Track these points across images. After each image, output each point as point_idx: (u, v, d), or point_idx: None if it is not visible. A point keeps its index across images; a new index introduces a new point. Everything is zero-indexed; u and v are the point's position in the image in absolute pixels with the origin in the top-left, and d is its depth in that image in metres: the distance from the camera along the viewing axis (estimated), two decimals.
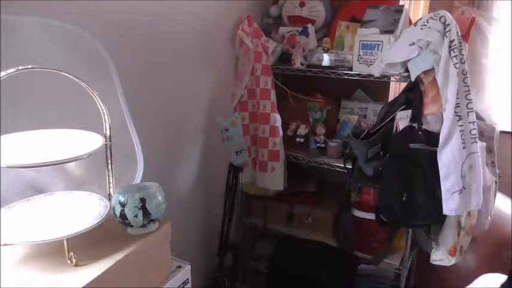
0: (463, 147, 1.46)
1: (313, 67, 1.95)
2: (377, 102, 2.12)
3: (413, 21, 1.74)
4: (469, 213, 1.61)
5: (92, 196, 1.03)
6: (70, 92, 0.99)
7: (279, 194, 2.09)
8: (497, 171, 1.74)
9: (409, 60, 1.57)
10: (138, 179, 1.24)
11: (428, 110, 1.55)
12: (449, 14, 1.46)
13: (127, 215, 0.97)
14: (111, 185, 1.06)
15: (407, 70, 1.62)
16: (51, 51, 1.07)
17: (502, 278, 0.93)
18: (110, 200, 1.03)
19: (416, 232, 1.84)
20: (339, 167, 1.89)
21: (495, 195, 1.72)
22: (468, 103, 1.46)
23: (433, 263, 1.70)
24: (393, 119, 1.66)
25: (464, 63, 1.44)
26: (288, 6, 2.13)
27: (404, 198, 1.57)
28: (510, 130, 2.10)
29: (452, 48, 1.43)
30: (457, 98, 1.44)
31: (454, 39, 1.43)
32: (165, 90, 1.63)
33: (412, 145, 1.55)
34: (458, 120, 1.45)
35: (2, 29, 0.98)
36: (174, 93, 1.69)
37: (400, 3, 2.04)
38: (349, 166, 1.80)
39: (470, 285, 0.81)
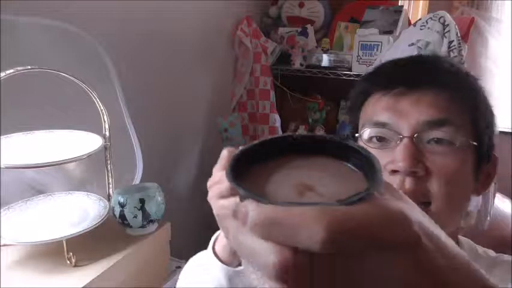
0: None
1: (312, 68, 1.95)
2: None
3: (412, 22, 1.74)
4: (468, 214, 1.61)
5: (91, 197, 1.03)
6: (69, 92, 0.99)
7: None
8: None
9: None
10: (137, 179, 1.24)
11: None
12: (448, 15, 1.46)
13: (126, 215, 0.96)
14: (111, 185, 1.06)
15: None
16: (51, 52, 1.07)
17: None
18: (109, 200, 1.03)
19: None
20: None
21: (494, 196, 1.72)
22: None
23: None
24: None
25: (463, 63, 1.45)
26: (287, 7, 2.13)
27: None
28: (510, 130, 2.10)
29: (451, 48, 1.43)
30: None
31: (453, 40, 1.43)
32: (164, 91, 1.63)
33: None
34: None
35: (2, 29, 0.97)
36: (174, 93, 1.69)
37: (399, 4, 2.04)
38: None
39: None
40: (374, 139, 0.57)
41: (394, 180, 0.53)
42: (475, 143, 0.56)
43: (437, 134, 0.54)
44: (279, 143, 0.28)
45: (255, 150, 0.27)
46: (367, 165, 0.25)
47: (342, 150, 0.26)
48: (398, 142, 0.54)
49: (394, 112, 0.56)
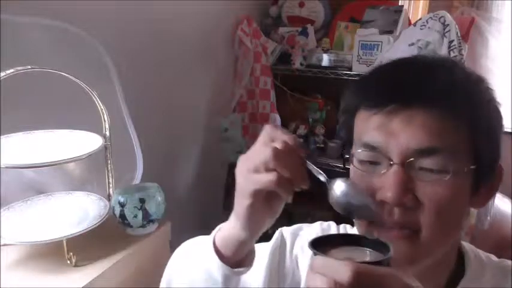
0: None
1: (312, 67, 1.95)
2: None
3: (412, 22, 1.74)
4: (468, 214, 1.60)
5: (92, 196, 1.03)
6: (70, 92, 0.99)
7: None
8: None
9: None
10: (137, 179, 1.24)
11: None
12: (448, 15, 1.46)
13: (126, 215, 0.97)
14: (111, 185, 1.06)
15: None
16: (51, 52, 1.07)
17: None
18: (109, 200, 1.03)
19: None
20: (338, 167, 1.89)
21: (494, 196, 1.72)
22: None
23: None
24: None
25: (463, 63, 1.44)
26: (287, 6, 2.13)
27: None
28: (510, 130, 2.10)
29: (451, 48, 1.43)
30: None
31: (453, 40, 1.43)
32: (164, 91, 1.63)
33: None
34: None
35: (2, 29, 0.97)
36: (174, 93, 1.69)
37: (400, 4, 2.04)
38: (348, 167, 1.80)
39: None
40: (367, 163, 0.55)
41: (383, 210, 0.51)
42: (472, 167, 0.52)
43: (428, 163, 0.50)
44: (333, 238, 0.49)
45: (322, 238, 0.48)
46: (385, 248, 0.44)
47: (373, 242, 0.46)
48: (388, 167, 0.51)
49: (385, 133, 0.52)
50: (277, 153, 0.45)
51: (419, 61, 0.58)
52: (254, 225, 0.50)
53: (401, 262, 0.52)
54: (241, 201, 0.48)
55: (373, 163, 0.54)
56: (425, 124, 0.50)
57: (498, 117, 0.56)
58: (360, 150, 0.55)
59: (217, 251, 0.53)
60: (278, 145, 0.46)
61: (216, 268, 0.52)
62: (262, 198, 0.48)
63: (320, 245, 0.45)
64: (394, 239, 0.51)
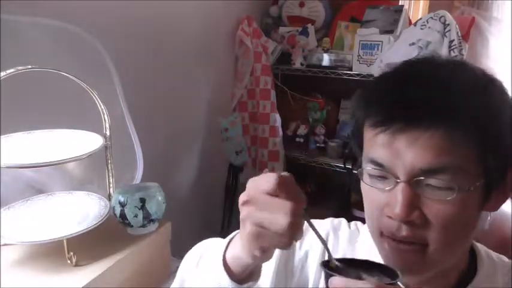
0: None
1: (313, 67, 1.95)
2: None
3: (413, 21, 1.74)
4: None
5: (92, 196, 1.03)
6: (70, 92, 0.99)
7: None
8: None
9: None
10: (138, 179, 1.24)
11: None
12: (449, 14, 1.46)
13: (127, 215, 0.96)
14: (111, 185, 1.06)
15: None
16: (51, 52, 1.07)
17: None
18: (109, 200, 1.03)
19: None
20: (338, 167, 1.89)
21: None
22: None
23: None
24: None
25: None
26: (287, 6, 2.13)
27: None
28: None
29: (452, 48, 1.43)
30: None
31: (454, 39, 1.43)
32: (165, 91, 1.63)
33: None
34: None
35: (2, 29, 0.98)
36: (174, 93, 1.69)
37: (400, 3, 2.04)
38: (349, 166, 1.80)
39: None
40: (375, 178, 0.55)
41: (392, 225, 0.52)
42: (479, 183, 0.51)
43: (434, 181, 0.50)
44: (348, 261, 0.50)
45: (339, 262, 0.50)
46: (390, 273, 0.47)
47: (383, 269, 0.49)
48: (395, 184, 0.52)
49: (390, 152, 0.52)
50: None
51: (423, 71, 0.55)
52: (261, 259, 0.50)
53: (410, 272, 0.53)
54: (250, 244, 0.47)
55: (382, 177, 0.54)
56: (430, 143, 0.49)
57: (510, 119, 0.53)
58: (369, 168, 0.55)
59: (227, 267, 0.52)
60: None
61: (225, 283, 0.52)
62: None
63: (327, 266, 0.48)
64: (403, 251, 0.52)
